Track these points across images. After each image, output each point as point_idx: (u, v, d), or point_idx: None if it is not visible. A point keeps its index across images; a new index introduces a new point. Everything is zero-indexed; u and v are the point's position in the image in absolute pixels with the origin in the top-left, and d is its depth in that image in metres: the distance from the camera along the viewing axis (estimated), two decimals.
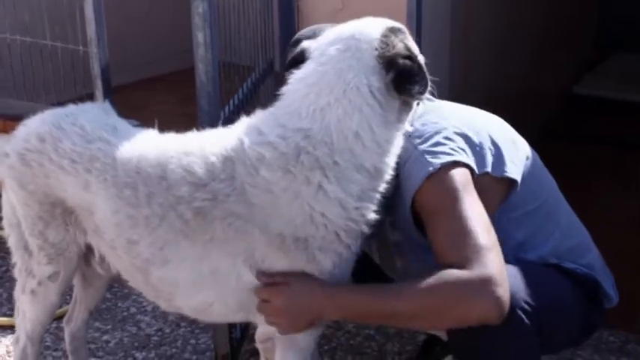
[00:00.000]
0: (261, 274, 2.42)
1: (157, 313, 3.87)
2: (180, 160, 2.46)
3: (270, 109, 2.47)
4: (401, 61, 2.37)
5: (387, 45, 2.38)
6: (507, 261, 2.41)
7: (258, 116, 2.48)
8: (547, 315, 2.42)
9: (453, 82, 4.44)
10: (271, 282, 2.41)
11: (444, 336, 3.08)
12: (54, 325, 3.60)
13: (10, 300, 3.77)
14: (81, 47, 4.01)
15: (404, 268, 2.74)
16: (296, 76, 2.43)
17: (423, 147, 2.45)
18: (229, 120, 3.02)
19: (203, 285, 2.50)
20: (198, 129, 2.67)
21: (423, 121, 2.53)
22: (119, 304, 3.98)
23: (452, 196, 2.37)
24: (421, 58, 2.45)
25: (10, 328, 3.65)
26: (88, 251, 2.80)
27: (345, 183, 2.35)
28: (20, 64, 4.62)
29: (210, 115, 3.04)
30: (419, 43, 2.52)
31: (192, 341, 3.68)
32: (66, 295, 3.11)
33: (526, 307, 2.36)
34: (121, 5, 6.21)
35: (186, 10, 3.00)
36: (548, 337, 2.46)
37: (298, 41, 2.71)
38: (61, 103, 2.94)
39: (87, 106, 2.81)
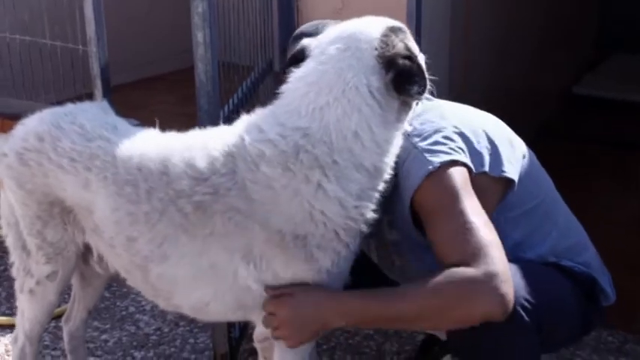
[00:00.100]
0: (267, 288, 2.43)
1: (155, 312, 3.87)
2: (182, 154, 2.46)
3: (270, 107, 2.47)
4: (400, 61, 2.36)
5: (387, 45, 2.38)
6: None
7: (259, 114, 2.48)
8: (547, 313, 2.42)
9: (452, 82, 4.44)
10: (276, 294, 2.42)
11: (442, 336, 3.09)
12: (52, 324, 3.60)
13: (9, 299, 3.79)
14: (80, 46, 4.00)
15: (402, 267, 2.74)
16: (296, 75, 2.43)
17: (422, 146, 2.46)
18: (229, 119, 3.02)
19: (201, 282, 2.50)
20: (198, 128, 2.68)
21: (421, 120, 2.53)
22: (118, 304, 3.97)
23: (451, 194, 2.37)
24: (421, 58, 2.45)
25: (8, 327, 3.65)
26: (87, 250, 2.79)
27: (345, 182, 2.35)
28: (20, 63, 4.62)
29: (209, 114, 3.03)
30: (419, 42, 2.52)
31: (191, 340, 3.68)
32: (64, 295, 3.11)
33: (526, 304, 2.36)
34: (120, 5, 6.20)
35: (186, 9, 3.00)
36: (548, 335, 2.46)
37: (300, 36, 2.71)
38: (60, 103, 2.94)
39: (85, 105, 2.81)
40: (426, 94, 2.43)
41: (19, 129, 2.73)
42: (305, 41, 2.53)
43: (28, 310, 2.89)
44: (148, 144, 2.57)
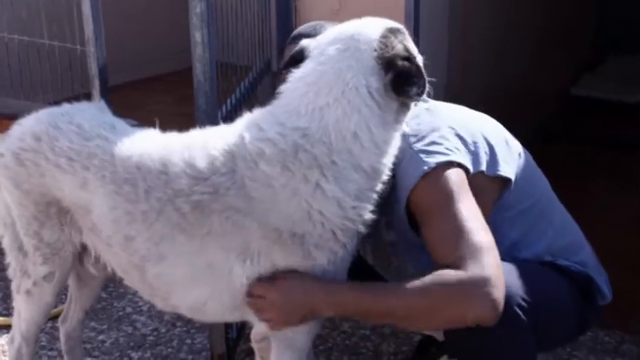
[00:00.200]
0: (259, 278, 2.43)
1: (152, 312, 3.86)
2: (181, 154, 2.47)
3: (270, 107, 2.47)
4: (400, 62, 2.37)
5: (386, 46, 2.39)
6: (502, 260, 2.41)
7: (258, 113, 2.48)
8: (543, 312, 2.42)
9: (451, 83, 4.44)
10: (268, 279, 2.42)
11: (439, 336, 3.09)
12: (49, 324, 3.59)
13: (5, 300, 3.78)
14: (78, 46, 4.01)
15: (398, 267, 2.74)
16: (295, 75, 2.44)
17: (418, 146, 2.46)
18: (227, 119, 3.02)
19: (198, 281, 2.50)
20: (196, 128, 2.67)
21: (418, 121, 2.53)
22: (115, 304, 3.97)
23: (447, 195, 2.37)
24: (420, 59, 2.45)
25: (5, 328, 3.64)
26: (84, 251, 2.79)
27: (343, 182, 2.35)
28: (17, 63, 4.62)
29: (207, 114, 3.03)
30: (417, 43, 2.52)
31: (188, 341, 3.68)
32: (61, 295, 3.10)
33: (522, 303, 2.36)
34: (118, 4, 6.20)
35: (184, 9, 3.00)
36: (544, 333, 2.46)
37: (297, 37, 2.72)
38: (57, 102, 2.94)
39: (82, 105, 2.81)
40: (425, 96, 2.43)
41: (16, 129, 2.73)
42: (304, 42, 2.53)
43: (24, 311, 2.88)
44: (147, 143, 2.57)
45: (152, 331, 3.76)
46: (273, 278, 2.41)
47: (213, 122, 2.96)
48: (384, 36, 2.40)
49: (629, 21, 7.84)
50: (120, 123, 2.72)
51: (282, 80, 2.49)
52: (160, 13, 7.03)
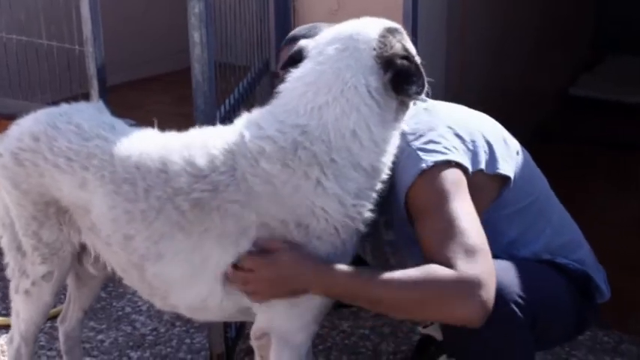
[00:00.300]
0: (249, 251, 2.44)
1: (151, 312, 3.86)
2: (180, 153, 2.48)
3: (268, 107, 2.48)
4: (399, 61, 2.38)
5: (385, 45, 2.39)
6: (500, 258, 2.42)
7: (257, 113, 2.49)
8: (541, 310, 2.42)
9: (449, 83, 4.44)
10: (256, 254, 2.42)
11: (438, 335, 3.10)
12: (48, 324, 3.59)
13: (4, 300, 3.78)
14: (77, 46, 4.00)
15: (396, 267, 2.74)
16: (294, 75, 2.45)
17: (417, 144, 2.46)
18: (225, 120, 3.03)
19: (196, 278, 2.51)
20: (194, 128, 2.68)
21: (416, 120, 2.53)
22: (114, 304, 3.97)
23: (443, 195, 2.37)
24: (418, 59, 2.45)
25: (4, 328, 3.64)
26: (82, 251, 2.79)
27: (343, 181, 2.36)
28: (16, 63, 4.62)
29: (206, 114, 3.04)
30: (415, 43, 2.53)
31: (187, 340, 3.68)
32: (60, 295, 3.10)
33: (519, 300, 2.37)
34: (117, 5, 6.20)
35: (183, 10, 3.00)
36: (542, 332, 2.47)
37: (294, 39, 2.73)
38: (56, 103, 2.94)
39: (81, 106, 2.81)
40: (423, 95, 2.43)
41: (14, 129, 2.73)
42: (302, 42, 2.54)
43: (23, 311, 2.88)
44: (146, 143, 2.57)
45: (151, 331, 3.76)
46: (263, 251, 2.41)
47: (212, 122, 2.96)
48: (382, 35, 2.41)
49: (627, 21, 7.84)
50: (119, 123, 2.72)
51: (281, 80, 2.50)
52: (158, 13, 7.03)
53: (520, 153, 2.65)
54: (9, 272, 2.86)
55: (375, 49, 2.39)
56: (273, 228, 2.39)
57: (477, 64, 5.03)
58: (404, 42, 2.45)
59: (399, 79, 2.37)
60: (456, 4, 4.56)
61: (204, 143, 2.47)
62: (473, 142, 2.50)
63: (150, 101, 6.55)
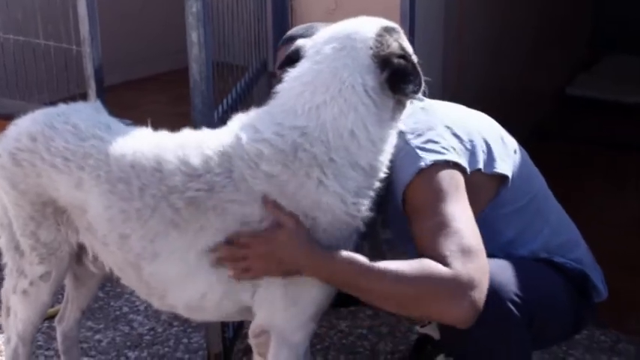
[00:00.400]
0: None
1: (149, 312, 3.86)
2: (175, 152, 2.48)
3: (265, 108, 2.48)
4: (395, 60, 2.38)
5: (382, 44, 2.40)
6: (497, 257, 2.42)
7: (253, 114, 2.49)
8: (538, 308, 2.42)
9: (446, 82, 4.44)
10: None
11: (436, 335, 3.10)
12: (46, 324, 3.59)
13: None
14: (74, 46, 4.00)
15: None
16: (291, 75, 2.45)
17: (416, 143, 2.46)
18: (223, 119, 3.02)
19: (193, 276, 2.51)
20: (191, 128, 2.68)
21: (414, 119, 2.53)
22: (111, 304, 3.97)
23: (439, 195, 2.37)
24: (415, 59, 2.46)
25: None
26: (80, 250, 2.79)
27: (343, 180, 2.37)
28: (13, 63, 4.61)
29: (203, 114, 3.04)
30: (412, 43, 2.53)
31: (185, 340, 3.68)
32: (58, 295, 3.10)
33: (516, 299, 2.37)
34: (114, 4, 6.20)
35: (180, 9, 3.00)
36: (539, 330, 2.47)
37: (291, 39, 2.73)
38: (53, 103, 2.94)
39: (78, 106, 2.81)
40: (420, 94, 2.43)
41: (12, 129, 2.73)
42: (300, 41, 2.54)
43: (21, 311, 2.88)
44: (141, 142, 2.57)
45: (149, 331, 3.76)
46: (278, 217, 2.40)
47: (210, 122, 2.97)
48: (379, 34, 2.42)
49: (624, 20, 7.84)
50: (115, 123, 2.72)
51: (279, 80, 2.50)
52: (155, 12, 7.02)
53: (518, 152, 2.65)
54: (7, 272, 2.86)
55: (372, 48, 2.39)
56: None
57: (475, 63, 5.03)
58: (401, 41, 2.45)
59: (395, 78, 2.37)
60: (453, 3, 4.56)
61: (198, 144, 2.48)
62: (471, 141, 2.50)
63: (147, 101, 6.54)
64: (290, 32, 2.89)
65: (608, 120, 6.62)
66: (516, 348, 2.44)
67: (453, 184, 2.40)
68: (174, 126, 2.66)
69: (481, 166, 2.49)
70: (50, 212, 2.69)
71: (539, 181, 2.73)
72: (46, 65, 4.38)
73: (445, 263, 2.26)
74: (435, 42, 4.37)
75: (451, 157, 2.43)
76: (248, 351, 2.87)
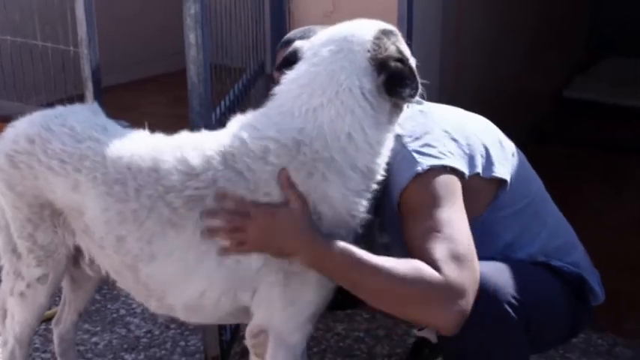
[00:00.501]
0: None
1: (146, 315, 3.86)
2: (173, 153, 2.48)
3: (263, 109, 2.49)
4: (392, 63, 2.38)
5: (380, 47, 2.40)
6: (495, 260, 2.42)
7: (251, 116, 2.49)
8: (535, 312, 2.42)
9: (444, 84, 4.44)
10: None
11: (433, 338, 3.10)
12: (43, 326, 3.59)
13: None
14: (72, 48, 4.00)
15: None
16: (288, 77, 2.45)
17: (413, 146, 2.46)
18: (220, 121, 3.02)
19: (192, 274, 2.50)
20: (189, 130, 2.68)
21: (412, 123, 2.53)
22: (108, 306, 3.96)
23: (435, 200, 2.36)
24: (413, 61, 2.45)
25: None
26: (77, 253, 2.79)
27: (343, 178, 2.37)
28: (10, 65, 4.61)
29: (201, 116, 3.04)
30: (410, 44, 2.53)
31: (182, 343, 3.67)
32: (55, 297, 3.10)
33: (513, 301, 2.37)
34: (111, 6, 6.20)
35: (178, 11, 2.99)
36: (537, 333, 2.47)
37: (288, 42, 2.73)
38: (51, 104, 2.94)
39: (76, 108, 2.81)
40: (417, 97, 2.43)
41: (9, 131, 2.73)
42: (298, 43, 2.54)
43: (18, 313, 2.87)
44: (138, 144, 2.57)
45: (146, 333, 3.75)
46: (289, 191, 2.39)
47: (207, 124, 2.97)
48: (377, 37, 2.42)
49: (622, 22, 7.85)
50: (112, 125, 2.72)
51: (276, 82, 2.50)
52: (153, 14, 7.02)
53: (515, 155, 2.65)
54: (4, 274, 2.86)
55: (369, 51, 2.39)
56: None
57: (472, 65, 5.03)
58: (398, 44, 2.45)
59: (392, 82, 2.37)
60: (451, 5, 4.56)
61: (196, 145, 2.48)
62: (469, 145, 2.50)
63: (144, 102, 6.54)
64: (288, 35, 2.89)
65: (605, 123, 6.62)
66: (514, 351, 2.43)
67: (449, 189, 2.39)
68: (172, 127, 2.66)
69: (479, 170, 2.49)
70: (47, 215, 2.69)
71: (537, 184, 2.73)
72: (43, 67, 4.39)
73: (436, 267, 2.26)
74: (432, 43, 4.37)
75: (448, 161, 2.42)
76: (245, 354, 2.86)
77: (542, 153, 4.46)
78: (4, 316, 2.94)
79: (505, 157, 2.58)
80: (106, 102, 3.15)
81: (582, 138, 6.32)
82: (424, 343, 3.30)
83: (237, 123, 2.50)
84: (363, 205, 2.41)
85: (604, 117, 6.75)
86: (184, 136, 2.59)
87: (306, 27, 2.85)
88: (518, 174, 2.60)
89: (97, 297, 3.96)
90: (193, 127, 2.95)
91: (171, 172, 2.45)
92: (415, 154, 2.43)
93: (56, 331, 3.20)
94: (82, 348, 3.62)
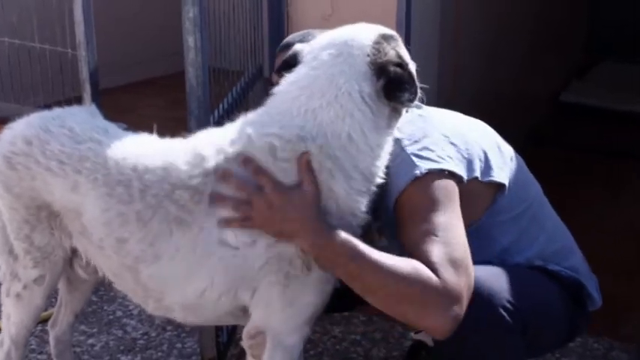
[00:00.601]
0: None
1: (143, 316, 3.85)
2: (179, 152, 2.49)
3: (262, 109, 2.49)
4: (392, 68, 2.38)
5: (379, 52, 2.40)
6: (492, 264, 2.42)
7: (252, 116, 2.50)
8: (532, 316, 2.43)
9: (442, 87, 4.44)
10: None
11: (430, 341, 3.10)
12: (39, 328, 3.58)
13: None
14: (69, 50, 4.00)
15: None
16: (288, 79, 2.45)
17: (412, 149, 2.46)
18: (218, 124, 3.02)
19: (195, 272, 2.50)
20: (187, 133, 2.68)
21: (411, 126, 2.53)
22: (105, 308, 3.96)
23: (432, 204, 2.37)
24: (412, 66, 2.46)
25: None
26: (74, 255, 2.79)
27: (347, 177, 2.38)
28: (8, 66, 4.61)
29: (199, 119, 3.04)
30: (408, 48, 2.53)
31: (178, 345, 3.67)
32: (51, 299, 3.10)
33: (508, 306, 2.37)
34: (109, 6, 6.19)
35: (176, 13, 3.00)
36: (534, 338, 2.47)
37: (288, 45, 2.73)
38: (48, 106, 2.94)
39: (74, 109, 2.81)
40: (416, 102, 2.43)
41: (7, 133, 2.73)
42: (297, 46, 2.54)
43: (14, 315, 2.87)
44: (143, 146, 2.58)
45: (142, 335, 3.75)
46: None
47: (205, 127, 2.96)
48: (377, 42, 2.42)
49: (620, 25, 7.86)
50: (112, 127, 2.72)
51: (275, 85, 2.50)
52: (151, 16, 7.01)
53: (514, 159, 2.65)
54: (0, 275, 2.85)
55: (369, 56, 2.39)
56: None
57: (471, 68, 5.04)
58: (398, 49, 2.45)
59: (391, 87, 2.37)
60: (449, 8, 4.56)
61: (206, 145, 2.48)
62: (467, 150, 2.50)
63: (143, 104, 6.54)
64: (287, 39, 2.89)
65: (603, 127, 6.61)
66: (509, 355, 2.44)
67: (447, 194, 2.39)
68: (171, 130, 2.66)
69: (478, 174, 2.49)
70: (44, 216, 2.69)
71: (535, 188, 2.73)
72: (41, 68, 4.39)
73: (434, 270, 2.26)
74: (431, 46, 4.38)
75: (446, 165, 2.43)
76: (242, 356, 2.86)
77: (540, 157, 4.46)
78: (0, 317, 2.94)
79: (503, 162, 2.59)
80: (104, 104, 3.15)
81: (580, 142, 6.32)
82: (421, 346, 3.30)
83: (239, 122, 2.50)
84: (364, 205, 2.41)
85: (601, 122, 6.75)
86: (188, 138, 2.59)
87: (305, 31, 2.85)
88: (516, 178, 2.61)
89: (94, 298, 3.96)
90: (191, 130, 2.95)
91: (179, 168, 2.45)
92: (414, 158, 2.44)
93: (52, 333, 3.20)
94: (78, 349, 3.62)
